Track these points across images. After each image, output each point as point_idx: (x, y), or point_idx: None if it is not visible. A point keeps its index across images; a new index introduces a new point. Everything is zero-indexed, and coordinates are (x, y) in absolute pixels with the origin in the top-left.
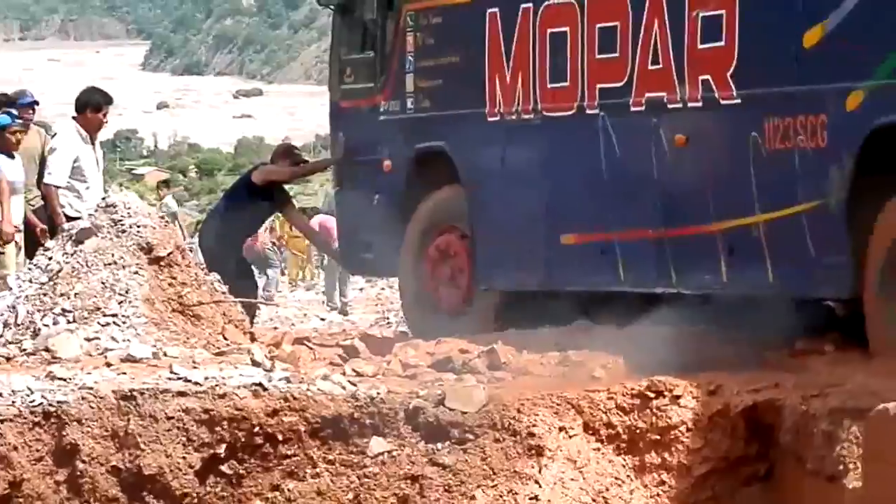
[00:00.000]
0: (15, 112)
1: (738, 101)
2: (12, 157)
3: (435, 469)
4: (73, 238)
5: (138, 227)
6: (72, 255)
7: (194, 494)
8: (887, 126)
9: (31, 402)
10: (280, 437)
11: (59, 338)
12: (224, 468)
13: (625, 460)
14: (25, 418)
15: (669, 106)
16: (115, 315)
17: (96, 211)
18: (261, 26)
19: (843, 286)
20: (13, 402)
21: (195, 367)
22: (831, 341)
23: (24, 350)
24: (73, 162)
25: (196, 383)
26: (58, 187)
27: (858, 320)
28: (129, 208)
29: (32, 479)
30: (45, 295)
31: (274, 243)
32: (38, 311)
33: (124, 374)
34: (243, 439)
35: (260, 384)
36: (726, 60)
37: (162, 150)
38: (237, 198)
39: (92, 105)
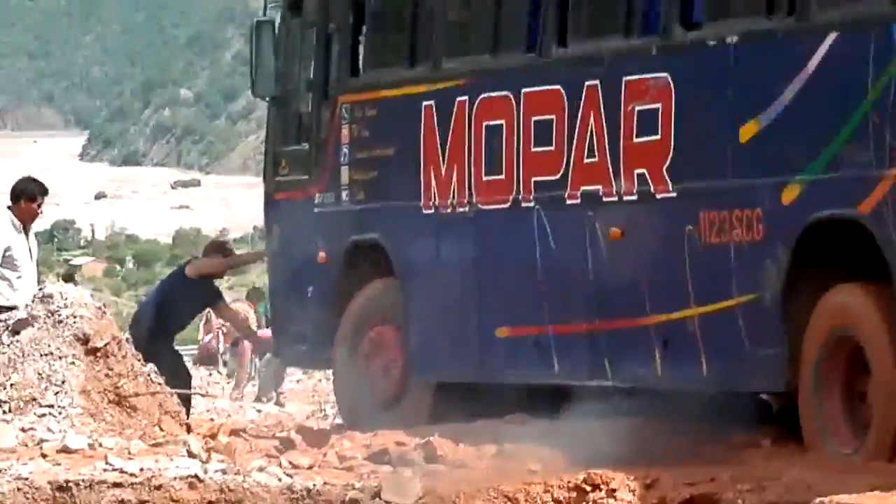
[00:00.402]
0: None
1: (674, 194)
2: None
3: None
4: (10, 328)
5: (75, 317)
6: (8, 345)
7: None
8: (823, 220)
9: None
10: None
11: None
12: None
13: None
14: None
15: (605, 199)
16: (51, 406)
17: (33, 301)
18: (199, 117)
19: (778, 380)
20: None
21: (131, 459)
22: (767, 435)
23: None
24: (4, 251)
25: (132, 474)
26: None
27: (794, 414)
28: (65, 299)
29: None
30: None
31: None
32: None
33: (59, 465)
34: None
35: (196, 476)
36: (662, 154)
37: (99, 240)
38: (170, 291)
39: (27, 195)
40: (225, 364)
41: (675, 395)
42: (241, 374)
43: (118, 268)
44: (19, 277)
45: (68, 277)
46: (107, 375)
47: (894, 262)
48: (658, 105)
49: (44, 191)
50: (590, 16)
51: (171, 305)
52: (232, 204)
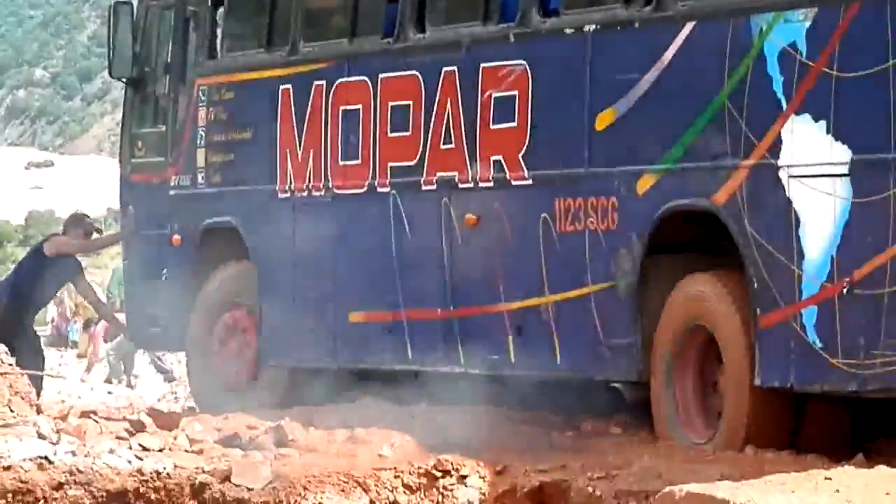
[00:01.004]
0: None
1: (530, 181)
2: None
3: None
4: None
5: None
6: None
7: None
8: (678, 209)
9: None
10: None
11: None
12: None
13: None
14: None
15: (461, 185)
16: None
17: None
18: (54, 98)
19: (630, 369)
20: None
21: None
22: (619, 423)
23: None
24: None
25: None
26: None
27: (646, 403)
28: None
29: None
30: None
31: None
32: None
33: None
34: None
35: (45, 457)
36: (518, 141)
37: None
38: (28, 269)
39: None
40: (75, 345)
41: (529, 382)
42: (93, 357)
43: None
44: None
45: None
46: None
47: (747, 252)
48: (515, 92)
49: None
50: (448, 2)
51: (31, 284)
52: (86, 185)
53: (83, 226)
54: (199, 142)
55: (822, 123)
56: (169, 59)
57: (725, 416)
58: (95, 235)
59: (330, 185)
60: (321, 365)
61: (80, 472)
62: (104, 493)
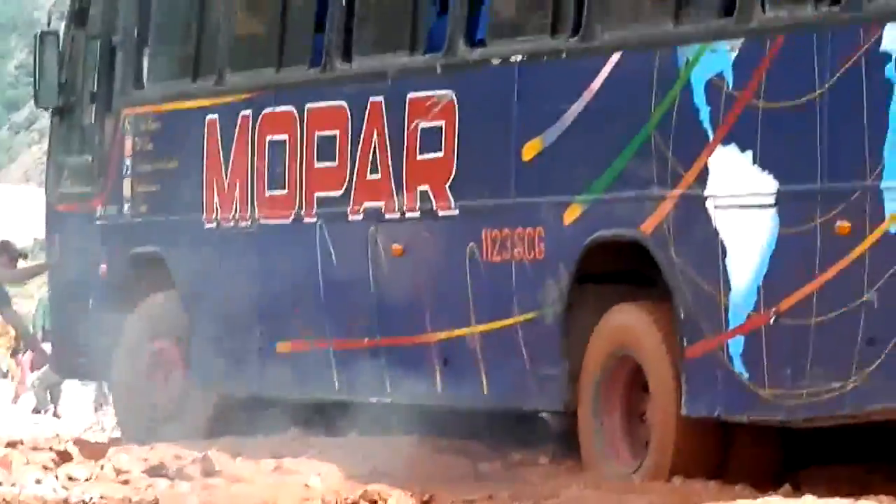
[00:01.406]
0: None
1: (456, 212)
2: None
3: None
4: None
5: None
6: None
7: None
8: (605, 239)
9: None
10: None
11: None
12: None
13: None
14: None
15: (387, 216)
16: None
17: None
18: None
19: (557, 399)
20: None
21: None
22: (546, 453)
23: None
24: None
25: None
26: None
27: (573, 433)
28: None
29: None
30: None
31: None
32: None
33: None
34: None
35: None
36: (445, 171)
37: None
38: None
39: None
40: (5, 375)
41: (456, 412)
42: (20, 386)
43: None
44: None
45: None
46: None
47: (674, 282)
48: (441, 122)
49: None
50: (375, 31)
51: None
52: (13, 215)
53: (9, 252)
54: (125, 171)
55: (749, 153)
56: (95, 89)
57: (652, 445)
58: (21, 262)
59: (256, 215)
60: (248, 394)
61: (7, 502)
62: None
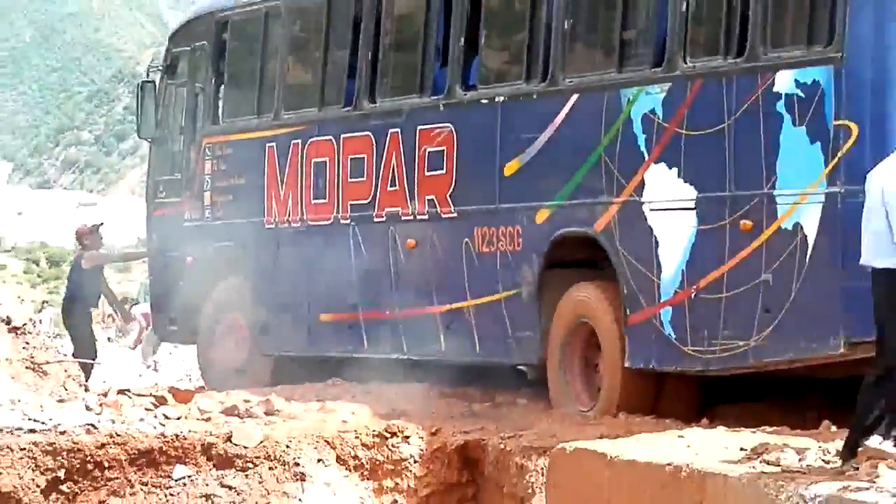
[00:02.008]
0: None
1: (455, 214)
2: None
3: (224, 490)
4: None
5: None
6: None
7: None
8: (567, 235)
9: None
10: (106, 465)
11: None
12: (63, 487)
13: (367, 484)
14: None
15: (403, 218)
16: None
17: None
18: (97, 154)
19: (532, 355)
20: None
21: (42, 411)
22: (523, 396)
23: None
24: None
25: (43, 423)
26: None
27: (544, 380)
28: None
29: None
30: None
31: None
32: None
33: None
34: (78, 466)
35: (92, 424)
36: (446, 184)
37: (21, 246)
38: (73, 279)
39: None
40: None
41: (455, 366)
42: (138, 335)
43: (35, 266)
44: None
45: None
46: (24, 348)
47: (619, 267)
48: (444, 148)
49: None
50: (393, 79)
51: (79, 289)
52: (122, 220)
53: (97, 235)
54: (205, 186)
55: (675, 170)
56: (182, 124)
57: (603, 390)
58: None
59: (304, 217)
60: (299, 353)
61: (119, 435)
62: (136, 451)
